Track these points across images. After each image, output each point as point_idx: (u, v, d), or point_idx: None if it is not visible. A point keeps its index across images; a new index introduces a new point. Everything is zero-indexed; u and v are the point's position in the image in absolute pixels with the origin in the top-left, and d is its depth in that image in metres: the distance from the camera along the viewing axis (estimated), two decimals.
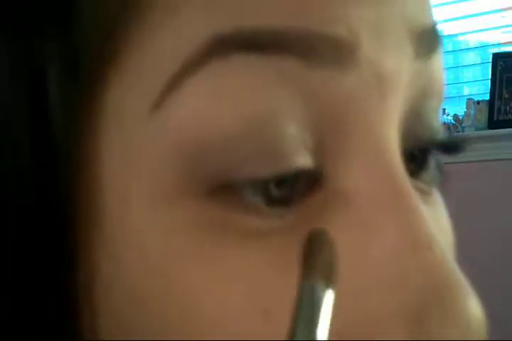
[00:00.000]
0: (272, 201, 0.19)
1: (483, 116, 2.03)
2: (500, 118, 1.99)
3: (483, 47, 2.24)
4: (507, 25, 2.14)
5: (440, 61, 0.23)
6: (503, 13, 2.14)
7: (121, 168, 0.19)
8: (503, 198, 1.89)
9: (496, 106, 2.00)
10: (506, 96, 2.00)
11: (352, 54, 0.19)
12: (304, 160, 0.19)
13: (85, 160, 0.19)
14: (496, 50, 2.16)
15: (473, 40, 2.26)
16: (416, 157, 0.24)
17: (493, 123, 2.00)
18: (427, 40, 0.22)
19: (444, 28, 2.00)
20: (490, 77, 2.06)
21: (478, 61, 2.26)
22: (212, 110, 0.19)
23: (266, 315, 0.19)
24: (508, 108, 1.99)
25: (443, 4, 2.15)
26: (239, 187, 0.19)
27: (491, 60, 2.06)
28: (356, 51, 0.20)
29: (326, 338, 0.16)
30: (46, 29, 0.19)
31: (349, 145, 0.20)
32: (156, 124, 0.19)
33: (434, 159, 0.24)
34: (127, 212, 0.19)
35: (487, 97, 2.06)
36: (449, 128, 2.02)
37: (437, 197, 0.24)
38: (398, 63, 0.21)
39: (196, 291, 0.19)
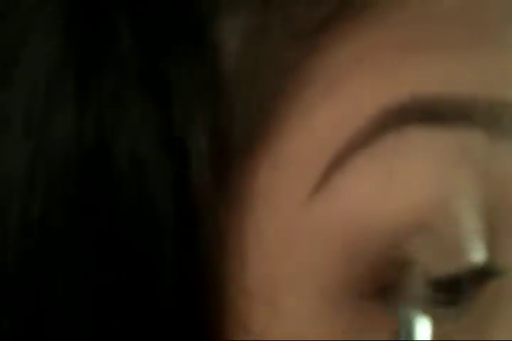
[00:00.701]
0: (438, 301, 0.17)
1: None
2: None
3: None
4: None
5: None
6: None
7: (272, 258, 0.17)
8: None
9: None
10: None
11: None
12: (479, 255, 0.17)
13: (231, 252, 0.17)
14: None
15: None
16: None
17: None
18: None
19: None
20: None
21: None
22: (381, 195, 0.16)
23: None
24: None
25: None
26: (402, 287, 0.17)
27: None
28: None
29: None
30: (193, 111, 0.17)
31: None
32: (316, 211, 0.16)
33: None
34: (278, 318, 0.17)
35: None
36: None
37: None
38: None
39: None
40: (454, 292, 0.17)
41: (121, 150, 0.16)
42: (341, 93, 0.16)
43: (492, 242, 0.17)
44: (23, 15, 0.17)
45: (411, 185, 0.16)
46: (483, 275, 0.17)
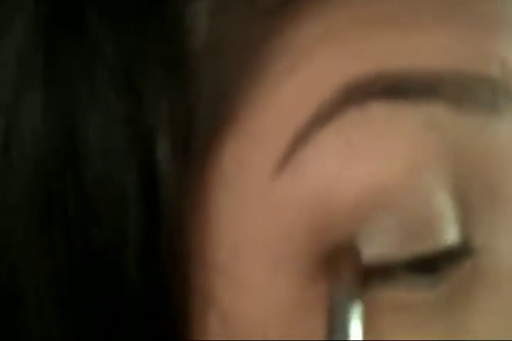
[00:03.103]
0: (415, 269, 0.17)
1: None
2: None
3: None
4: None
5: None
6: None
7: (237, 243, 0.17)
8: None
9: None
10: None
11: (509, 96, 0.17)
12: (451, 234, 0.16)
13: (195, 237, 0.17)
14: None
15: None
16: None
17: None
18: None
19: None
20: None
21: None
22: (346, 168, 0.16)
23: None
24: None
25: None
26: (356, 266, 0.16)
27: None
28: None
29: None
30: (160, 90, 0.17)
31: (505, 209, 0.17)
32: (282, 186, 0.16)
33: None
34: (241, 288, 0.17)
35: None
36: None
37: None
38: None
39: None
40: (429, 271, 0.17)
41: (88, 133, 0.17)
42: (305, 69, 0.16)
43: (466, 220, 0.17)
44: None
45: (373, 160, 0.16)
46: (458, 254, 0.17)
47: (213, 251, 0.17)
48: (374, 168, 0.16)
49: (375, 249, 0.16)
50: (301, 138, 0.16)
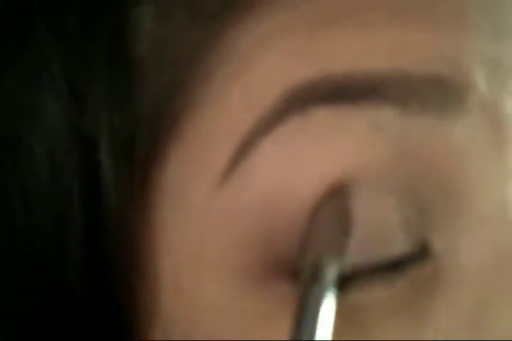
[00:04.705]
0: (372, 281, 0.16)
1: None
2: None
3: None
4: None
5: None
6: None
7: (184, 254, 0.17)
8: None
9: None
10: None
11: (461, 95, 0.16)
12: (405, 242, 0.16)
13: (140, 248, 0.17)
14: None
15: None
16: None
17: None
18: None
19: None
20: None
21: None
22: (291, 176, 0.16)
23: None
24: None
25: None
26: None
27: None
28: (466, 92, 0.16)
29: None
30: (103, 98, 0.17)
31: (460, 208, 0.17)
32: (227, 196, 0.16)
33: None
34: (189, 300, 0.17)
35: None
36: None
37: None
38: None
39: None
40: (388, 271, 0.16)
41: (32, 143, 0.17)
42: (249, 75, 0.16)
43: (421, 224, 0.16)
44: None
45: (318, 165, 0.16)
46: (416, 257, 0.17)
47: (158, 262, 0.17)
48: (319, 174, 0.16)
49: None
50: (245, 147, 0.16)
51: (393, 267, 0.16)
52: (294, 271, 0.16)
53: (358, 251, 0.16)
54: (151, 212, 0.17)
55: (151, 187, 0.17)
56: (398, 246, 0.16)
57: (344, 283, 0.16)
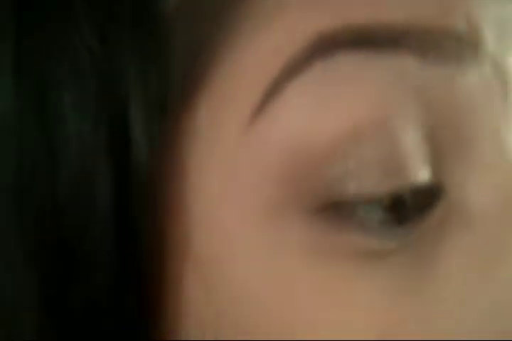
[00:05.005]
0: (386, 219, 0.17)
1: None
2: None
3: None
4: None
5: None
6: None
7: (218, 192, 0.17)
8: None
9: None
10: None
11: (474, 49, 0.17)
12: (423, 174, 0.17)
13: (174, 196, 0.17)
14: None
15: None
16: None
17: None
18: None
19: None
20: None
21: None
22: (318, 117, 0.17)
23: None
24: None
25: None
26: (349, 205, 0.17)
27: None
28: (478, 46, 0.17)
29: None
30: (132, 55, 0.17)
31: (471, 153, 0.18)
32: (255, 137, 0.17)
33: None
34: (224, 236, 0.17)
35: None
36: None
37: None
38: None
39: (309, 320, 0.17)
40: (400, 213, 0.17)
41: (64, 89, 0.17)
42: (276, 25, 0.17)
43: (436, 164, 0.17)
44: None
45: (344, 105, 0.17)
46: (428, 196, 0.18)
47: (191, 206, 0.18)
48: (344, 113, 0.17)
49: (351, 185, 0.17)
50: (273, 90, 0.17)
51: (406, 213, 0.17)
52: (314, 207, 0.17)
53: (376, 181, 0.17)
54: (183, 158, 0.17)
55: (182, 136, 0.17)
56: (413, 177, 0.17)
57: (359, 229, 0.17)
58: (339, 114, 0.17)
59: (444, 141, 0.18)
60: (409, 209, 0.17)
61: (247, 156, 0.17)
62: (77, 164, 0.17)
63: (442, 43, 0.17)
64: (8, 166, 0.17)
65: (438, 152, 0.17)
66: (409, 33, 0.17)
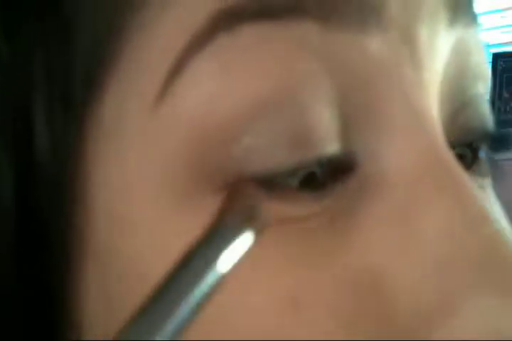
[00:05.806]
0: (302, 189, 0.17)
1: None
2: (501, 117, 1.99)
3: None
4: (507, 25, 2.14)
5: (478, 40, 0.21)
6: (503, 13, 2.14)
7: (123, 181, 0.17)
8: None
9: (496, 106, 2.00)
10: (506, 96, 1.99)
11: (377, 14, 0.17)
12: (332, 146, 0.17)
13: (79, 188, 0.17)
14: (496, 50, 2.15)
15: None
16: (464, 155, 0.22)
17: None
18: (463, 8, 0.20)
19: None
20: (490, 76, 2.04)
21: None
22: (221, 93, 0.16)
23: (295, 305, 0.17)
24: (508, 108, 1.99)
25: None
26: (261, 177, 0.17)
27: (490, 60, 2.05)
28: (382, 11, 0.17)
29: None
30: (35, 39, 0.17)
31: (382, 119, 0.18)
32: (162, 119, 0.17)
33: (486, 152, 0.22)
34: (126, 224, 0.17)
35: (487, 97, 2.04)
36: None
37: (492, 193, 0.22)
38: (433, 33, 0.19)
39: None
40: (314, 186, 0.17)
41: None
42: (181, 3, 0.17)
43: (346, 134, 0.17)
44: None
45: (247, 80, 0.16)
46: (342, 168, 0.18)
47: (95, 195, 0.17)
48: (249, 86, 0.16)
49: (259, 159, 0.17)
50: (177, 67, 0.17)
51: (320, 182, 0.17)
52: (224, 186, 0.17)
53: (285, 154, 0.17)
54: (89, 149, 0.17)
55: (90, 128, 0.17)
56: (323, 149, 0.17)
57: (271, 195, 0.17)
58: (241, 89, 0.16)
59: (352, 109, 0.17)
60: (322, 181, 0.17)
61: (153, 140, 0.17)
62: None
63: (342, 7, 0.17)
64: None
65: (348, 122, 0.17)
66: None
